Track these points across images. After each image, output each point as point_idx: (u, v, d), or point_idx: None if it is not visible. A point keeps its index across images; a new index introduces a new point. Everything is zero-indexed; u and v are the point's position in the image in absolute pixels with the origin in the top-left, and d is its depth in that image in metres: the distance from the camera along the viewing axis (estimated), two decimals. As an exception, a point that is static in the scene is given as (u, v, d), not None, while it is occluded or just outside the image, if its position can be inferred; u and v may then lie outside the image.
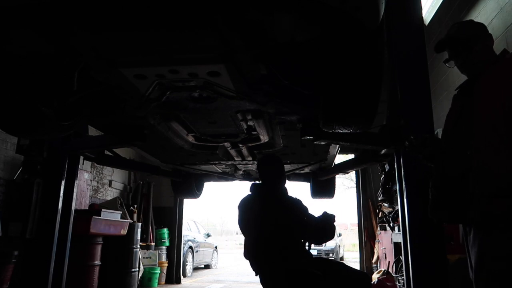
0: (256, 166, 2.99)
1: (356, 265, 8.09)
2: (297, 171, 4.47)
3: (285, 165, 3.70)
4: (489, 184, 1.64)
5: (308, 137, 2.58)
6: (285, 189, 2.83)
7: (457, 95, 1.96)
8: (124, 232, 6.04)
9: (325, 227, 2.63)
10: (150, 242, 7.68)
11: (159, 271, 7.57)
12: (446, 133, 1.96)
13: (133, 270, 6.33)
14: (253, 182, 2.96)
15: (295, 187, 5.53)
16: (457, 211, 1.78)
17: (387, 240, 6.27)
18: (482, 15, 4.24)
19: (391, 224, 5.90)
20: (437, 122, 2.65)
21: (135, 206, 7.40)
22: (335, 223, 2.68)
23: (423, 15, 5.16)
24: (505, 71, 1.74)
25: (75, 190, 3.13)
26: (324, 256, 9.62)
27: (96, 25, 1.52)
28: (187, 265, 9.28)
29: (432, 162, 1.96)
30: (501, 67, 1.77)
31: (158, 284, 7.62)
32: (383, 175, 5.65)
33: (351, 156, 5.95)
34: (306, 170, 4.49)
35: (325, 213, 2.67)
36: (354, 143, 2.73)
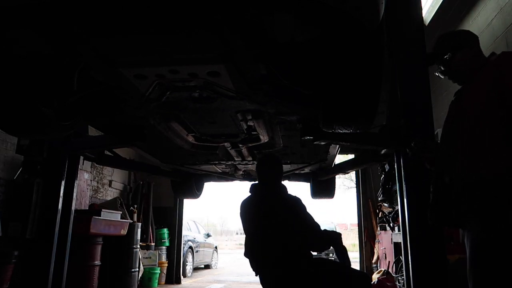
0: (256, 166, 2.99)
1: (356, 265, 8.09)
2: (297, 171, 4.47)
3: (285, 165, 3.70)
4: (468, 185, 1.71)
5: (308, 137, 2.58)
6: (284, 188, 2.83)
7: (453, 101, 2.00)
8: (124, 232, 6.04)
9: (327, 242, 2.61)
10: (150, 242, 7.68)
11: (159, 271, 7.57)
12: (443, 138, 1.98)
13: (133, 270, 6.33)
14: (252, 183, 2.96)
15: (295, 187, 5.53)
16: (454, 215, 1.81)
17: (387, 240, 6.27)
18: (482, 15, 4.24)
19: (391, 224, 5.90)
20: (437, 122, 2.65)
21: (135, 206, 7.40)
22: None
23: (423, 15, 5.16)
24: (485, 75, 1.78)
25: (75, 190, 3.12)
26: (324, 256, 9.62)
27: (97, 27, 1.52)
28: (187, 265, 9.28)
29: (433, 166, 1.98)
30: (486, 70, 1.81)
31: (158, 284, 7.61)
32: (383, 175, 5.65)
33: (351, 156, 5.95)
34: (306, 170, 4.48)
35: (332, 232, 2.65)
36: (354, 143, 2.73)
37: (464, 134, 1.79)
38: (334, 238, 2.57)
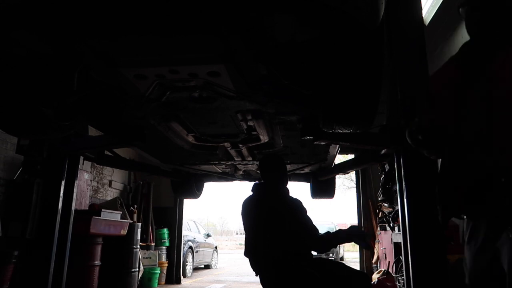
0: (258, 166, 2.97)
1: (356, 265, 8.09)
2: (297, 171, 4.47)
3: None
4: None
5: (308, 137, 2.58)
6: (287, 190, 2.83)
7: (459, 63, 1.67)
8: (124, 232, 6.04)
9: (328, 244, 2.60)
10: (150, 242, 7.68)
11: (159, 271, 7.57)
12: (445, 110, 1.68)
13: (133, 270, 6.33)
14: (255, 182, 2.95)
15: (295, 187, 5.53)
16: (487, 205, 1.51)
17: (387, 240, 6.28)
18: (482, 15, 4.24)
19: (391, 224, 5.90)
20: (437, 122, 2.65)
21: (135, 206, 7.39)
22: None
23: (423, 15, 5.16)
24: None
25: (75, 190, 3.12)
26: (324, 257, 9.63)
27: (98, 28, 1.52)
28: (187, 265, 9.28)
29: (438, 153, 1.73)
30: None
31: (158, 284, 7.61)
32: (383, 175, 5.65)
33: (351, 156, 5.95)
34: (306, 170, 4.49)
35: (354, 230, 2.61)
36: (354, 143, 2.73)
37: (502, 127, 1.46)
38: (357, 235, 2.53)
